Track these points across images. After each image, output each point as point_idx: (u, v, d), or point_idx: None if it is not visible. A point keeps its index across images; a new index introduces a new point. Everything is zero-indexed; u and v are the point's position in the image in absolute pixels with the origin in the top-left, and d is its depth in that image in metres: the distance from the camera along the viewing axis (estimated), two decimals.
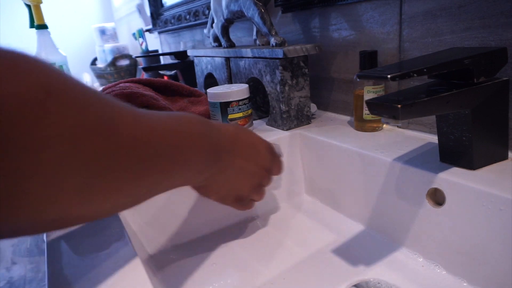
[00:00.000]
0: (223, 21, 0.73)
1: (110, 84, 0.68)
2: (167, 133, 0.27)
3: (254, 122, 0.66)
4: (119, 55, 1.66)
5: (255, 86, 0.71)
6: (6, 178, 0.16)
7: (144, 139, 0.24)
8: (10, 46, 0.18)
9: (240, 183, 0.40)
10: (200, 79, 0.90)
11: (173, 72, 1.18)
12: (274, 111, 0.61)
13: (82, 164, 0.19)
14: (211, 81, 0.85)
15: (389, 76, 0.31)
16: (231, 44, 0.76)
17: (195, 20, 1.11)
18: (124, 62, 1.66)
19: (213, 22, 0.81)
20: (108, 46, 1.71)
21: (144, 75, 1.39)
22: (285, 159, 0.59)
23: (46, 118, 0.17)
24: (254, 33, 0.74)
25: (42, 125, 0.17)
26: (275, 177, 0.58)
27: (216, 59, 0.78)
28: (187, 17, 1.16)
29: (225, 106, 0.59)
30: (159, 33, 1.51)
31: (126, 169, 0.22)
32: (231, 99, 0.58)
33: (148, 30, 1.55)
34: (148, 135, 0.24)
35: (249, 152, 0.39)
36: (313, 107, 0.66)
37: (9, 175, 0.16)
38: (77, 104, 0.19)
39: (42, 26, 1.14)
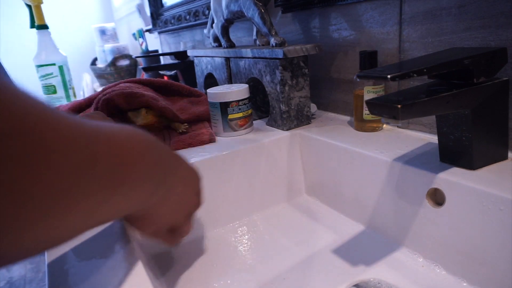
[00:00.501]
0: (223, 21, 0.73)
1: (110, 84, 0.68)
2: (113, 144, 0.22)
3: (254, 122, 0.66)
4: (119, 55, 1.66)
5: (255, 86, 0.71)
6: None
7: (87, 148, 0.19)
8: None
9: (177, 212, 0.35)
10: (200, 79, 0.90)
11: (173, 72, 1.18)
12: (274, 111, 0.61)
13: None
14: (211, 81, 0.85)
15: (389, 76, 0.31)
16: (231, 44, 0.76)
17: (195, 20, 1.11)
18: (124, 62, 1.66)
19: (213, 22, 0.81)
20: (108, 46, 1.71)
21: (144, 75, 1.39)
22: (285, 159, 0.59)
23: None
24: (254, 33, 0.74)
25: None
26: (273, 177, 0.58)
27: (216, 59, 0.78)
28: (187, 17, 1.16)
29: (225, 106, 0.59)
30: (159, 33, 1.51)
31: (56, 185, 0.17)
32: (231, 99, 0.58)
33: (148, 30, 1.55)
34: (94, 144, 0.20)
35: (189, 177, 0.35)
36: (313, 107, 0.66)
37: None
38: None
39: (43, 27, 1.14)
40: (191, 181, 0.36)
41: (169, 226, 0.36)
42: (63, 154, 0.17)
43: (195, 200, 0.37)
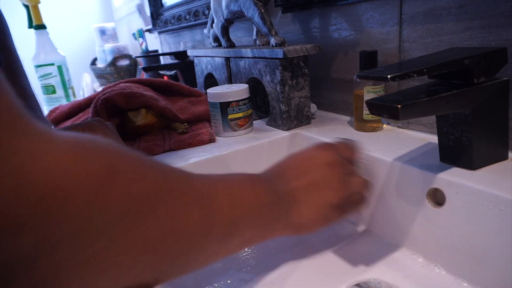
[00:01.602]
0: (223, 21, 0.73)
1: (110, 84, 0.68)
2: (230, 201, 0.28)
3: (254, 122, 0.66)
4: (119, 55, 1.66)
5: (255, 86, 0.71)
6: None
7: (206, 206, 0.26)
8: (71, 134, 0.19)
9: (319, 196, 0.35)
10: (200, 79, 0.90)
11: (173, 72, 1.18)
12: (274, 111, 0.61)
13: (148, 232, 0.21)
14: (211, 81, 0.85)
15: (389, 76, 0.31)
16: (231, 44, 0.76)
17: (195, 20, 1.11)
18: (124, 62, 1.66)
19: (213, 22, 0.81)
20: (108, 46, 1.71)
21: (144, 75, 1.39)
22: None
23: (112, 193, 0.19)
24: (254, 33, 0.74)
25: (109, 200, 0.18)
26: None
27: (216, 59, 0.78)
28: (187, 17, 1.16)
29: (225, 106, 0.59)
30: (159, 33, 1.51)
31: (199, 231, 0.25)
32: (231, 99, 0.58)
33: (148, 30, 1.55)
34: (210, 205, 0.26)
35: (302, 168, 0.36)
36: (313, 107, 0.66)
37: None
38: (137, 178, 0.21)
39: (41, 26, 1.14)
40: (306, 168, 0.36)
41: (328, 209, 0.35)
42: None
43: (330, 170, 0.36)
